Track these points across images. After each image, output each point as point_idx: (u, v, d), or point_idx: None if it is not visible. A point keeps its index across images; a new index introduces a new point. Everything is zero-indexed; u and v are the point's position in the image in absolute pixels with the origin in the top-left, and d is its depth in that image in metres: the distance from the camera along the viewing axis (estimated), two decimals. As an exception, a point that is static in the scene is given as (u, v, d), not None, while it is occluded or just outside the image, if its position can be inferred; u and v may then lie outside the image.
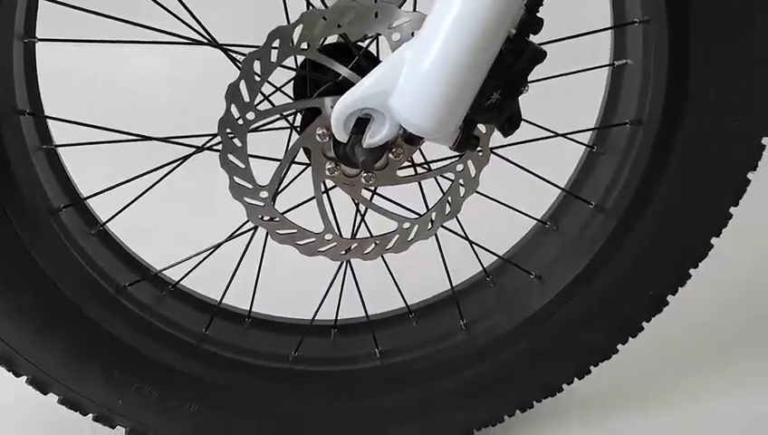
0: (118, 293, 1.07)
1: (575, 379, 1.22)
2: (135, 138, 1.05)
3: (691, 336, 1.46)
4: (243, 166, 0.97)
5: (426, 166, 1.06)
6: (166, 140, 1.06)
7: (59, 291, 1.01)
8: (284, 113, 0.99)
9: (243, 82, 0.92)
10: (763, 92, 1.05)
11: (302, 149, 0.99)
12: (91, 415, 1.10)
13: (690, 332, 1.46)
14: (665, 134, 1.06)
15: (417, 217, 1.05)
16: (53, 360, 1.05)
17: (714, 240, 1.14)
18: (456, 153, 0.98)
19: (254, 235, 1.09)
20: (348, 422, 1.17)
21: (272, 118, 0.96)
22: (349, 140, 0.92)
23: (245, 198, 0.99)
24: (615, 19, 1.10)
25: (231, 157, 0.96)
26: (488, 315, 1.19)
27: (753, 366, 1.41)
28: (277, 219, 1.01)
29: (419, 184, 1.07)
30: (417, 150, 0.99)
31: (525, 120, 0.96)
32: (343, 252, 1.04)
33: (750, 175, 1.10)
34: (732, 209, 1.12)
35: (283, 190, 1.03)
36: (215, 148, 1.00)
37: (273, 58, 0.92)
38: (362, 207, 1.07)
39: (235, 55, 0.99)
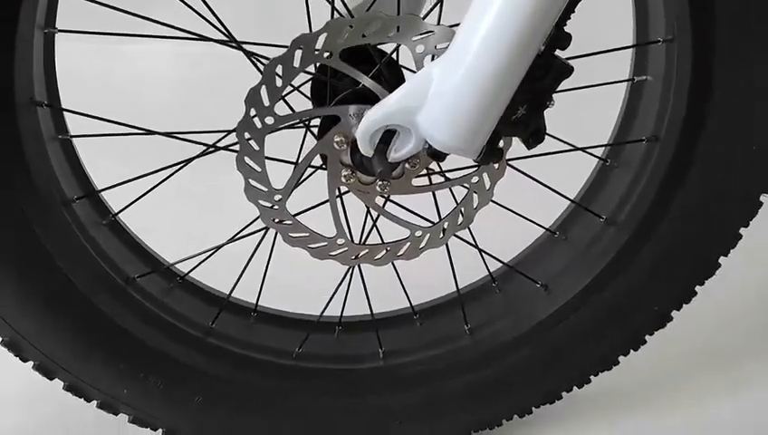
0: (127, 284, 1.08)
1: (575, 387, 1.23)
2: (152, 133, 1.05)
3: (694, 338, 1.46)
4: (259, 169, 0.97)
5: (442, 175, 1.06)
6: (177, 135, 1.05)
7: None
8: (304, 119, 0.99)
9: (264, 86, 0.92)
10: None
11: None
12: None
13: (693, 333, 1.47)
14: (681, 153, 1.06)
15: (429, 226, 1.05)
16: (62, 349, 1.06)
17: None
18: (476, 164, 0.98)
19: (265, 233, 1.09)
20: (348, 420, 1.18)
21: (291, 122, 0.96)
22: (375, 153, 0.92)
23: (260, 201, 0.99)
24: (638, 36, 1.09)
25: (248, 159, 0.96)
26: (494, 321, 1.20)
27: (757, 369, 1.42)
28: (290, 223, 1.01)
29: (433, 193, 1.07)
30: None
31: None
32: (354, 257, 1.05)
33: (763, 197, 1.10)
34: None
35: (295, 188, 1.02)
36: (231, 148, 1.00)
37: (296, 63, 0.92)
38: (374, 213, 1.07)
39: (252, 56, 0.99)
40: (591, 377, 1.22)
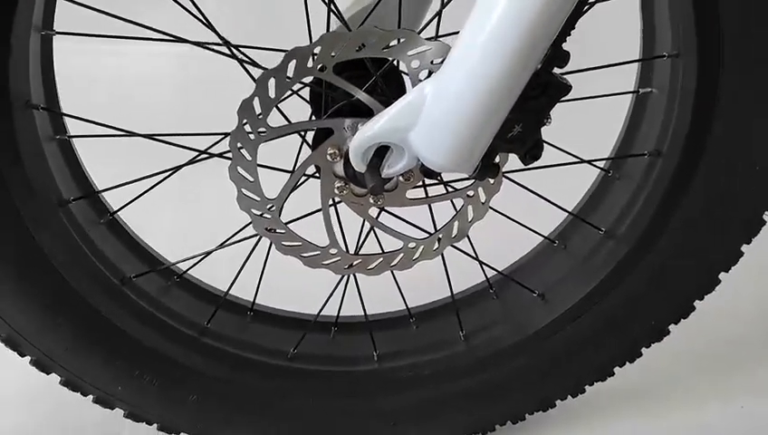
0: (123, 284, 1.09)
1: (569, 396, 1.22)
2: (150, 136, 1.05)
3: (690, 342, 1.45)
4: (252, 179, 0.97)
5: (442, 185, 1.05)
6: (170, 141, 1.05)
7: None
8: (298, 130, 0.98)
9: (256, 98, 0.92)
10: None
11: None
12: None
13: (688, 337, 1.45)
14: (683, 168, 1.05)
15: (423, 238, 1.04)
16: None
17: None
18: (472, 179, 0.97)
19: (259, 239, 1.09)
20: (341, 421, 1.19)
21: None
22: (367, 169, 0.91)
23: (252, 210, 0.99)
24: (644, 50, 1.07)
25: (240, 169, 0.96)
26: (490, 327, 1.19)
27: (753, 374, 1.41)
28: (283, 231, 1.01)
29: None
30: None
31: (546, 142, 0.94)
32: (347, 266, 1.04)
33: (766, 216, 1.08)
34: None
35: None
36: (224, 155, 0.99)
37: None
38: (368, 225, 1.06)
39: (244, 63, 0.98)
40: (586, 387, 1.22)
